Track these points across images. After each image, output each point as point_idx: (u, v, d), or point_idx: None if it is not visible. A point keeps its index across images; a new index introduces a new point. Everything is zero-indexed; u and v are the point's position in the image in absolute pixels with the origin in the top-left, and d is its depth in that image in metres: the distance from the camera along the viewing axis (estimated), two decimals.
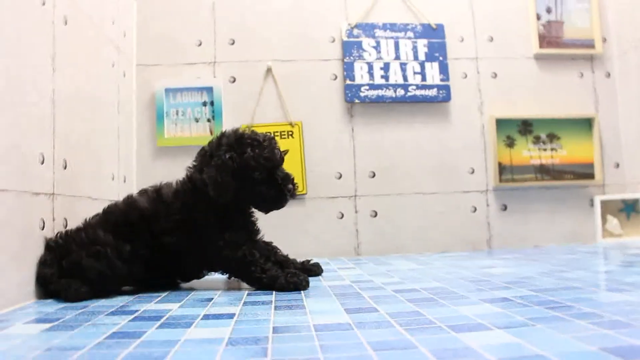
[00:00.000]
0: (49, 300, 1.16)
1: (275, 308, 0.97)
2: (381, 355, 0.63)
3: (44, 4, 1.26)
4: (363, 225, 2.07)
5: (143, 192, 1.31)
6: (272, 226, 2.00)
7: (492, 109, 2.19)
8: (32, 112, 1.20)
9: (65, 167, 1.34)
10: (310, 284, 1.24)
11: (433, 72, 2.15)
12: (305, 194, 2.04)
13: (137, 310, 1.00)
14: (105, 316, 0.95)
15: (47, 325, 0.89)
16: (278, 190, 1.26)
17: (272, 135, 1.32)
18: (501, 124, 2.17)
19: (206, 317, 0.92)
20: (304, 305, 1.00)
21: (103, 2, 1.72)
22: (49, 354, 0.70)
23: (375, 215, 2.07)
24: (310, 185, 2.06)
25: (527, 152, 2.19)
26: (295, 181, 1.30)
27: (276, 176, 1.25)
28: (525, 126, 2.20)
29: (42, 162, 1.23)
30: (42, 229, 1.21)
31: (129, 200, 1.29)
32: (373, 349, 0.66)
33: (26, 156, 1.16)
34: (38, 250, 1.19)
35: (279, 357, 0.64)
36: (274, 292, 1.17)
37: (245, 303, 1.05)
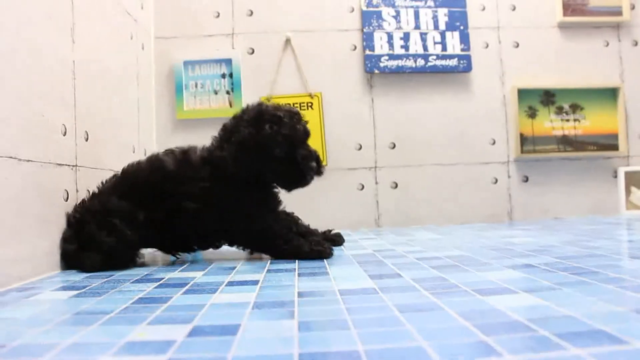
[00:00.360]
0: (75, 271, 1.17)
1: (299, 275, 0.98)
2: (408, 317, 0.63)
3: None
4: (383, 197, 2.06)
5: (169, 152, 1.27)
6: (292, 197, 2.00)
7: (513, 79, 2.16)
8: (54, 83, 1.20)
9: (86, 139, 1.35)
10: (334, 253, 1.24)
11: (454, 42, 2.11)
12: (326, 165, 2.04)
13: (161, 278, 1.01)
14: (131, 284, 0.96)
15: (74, 292, 0.90)
16: (298, 169, 1.22)
17: (297, 110, 1.27)
18: (523, 94, 2.14)
19: (230, 283, 0.92)
20: (327, 272, 1.00)
21: None
22: (78, 317, 0.71)
23: (396, 186, 2.07)
24: (331, 156, 2.05)
25: (549, 123, 2.16)
26: (320, 158, 1.26)
27: (297, 154, 1.21)
28: (548, 97, 2.16)
29: (65, 134, 1.23)
30: (66, 200, 1.23)
31: (154, 159, 1.26)
32: (399, 311, 0.66)
33: (49, 127, 1.17)
34: (62, 221, 1.20)
35: (306, 319, 0.64)
36: (296, 261, 1.17)
37: (268, 270, 1.05)
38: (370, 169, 2.07)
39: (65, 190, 1.23)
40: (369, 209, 2.06)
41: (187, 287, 0.90)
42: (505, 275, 0.89)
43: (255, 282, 0.92)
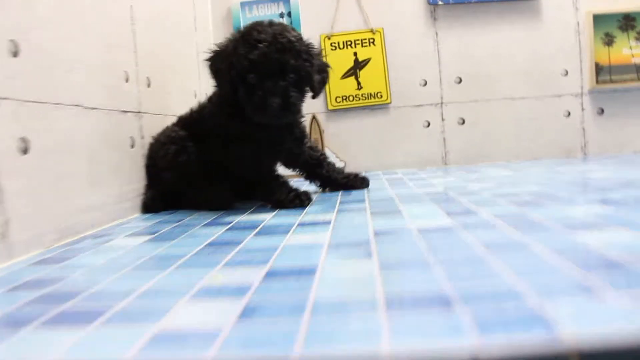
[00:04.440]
0: (146, 216, 1.19)
1: (372, 214, 0.94)
2: (495, 253, 0.59)
3: None
4: (450, 134, 1.99)
5: (210, 96, 1.26)
6: (356, 136, 1.97)
7: (588, 4, 2.00)
8: (114, 28, 1.19)
9: (148, 85, 1.34)
10: (404, 192, 1.20)
11: None
12: (390, 103, 1.97)
13: (231, 222, 1.00)
14: (200, 228, 0.96)
15: (147, 238, 0.90)
16: (261, 101, 1.06)
17: (290, 37, 1.08)
18: (599, 20, 1.99)
19: (302, 224, 0.90)
20: (400, 210, 0.96)
21: None
22: (153, 262, 0.71)
23: (463, 122, 1.99)
24: (395, 93, 1.98)
25: (628, 50, 2.00)
26: (289, 97, 1.08)
27: (263, 86, 1.06)
28: (627, 21, 2.00)
29: (127, 80, 1.22)
30: (132, 147, 1.23)
31: (200, 105, 1.29)
32: (485, 247, 0.62)
33: (113, 74, 1.16)
34: (129, 168, 1.21)
35: (386, 259, 0.61)
36: (367, 200, 1.14)
37: (339, 211, 1.02)
38: (436, 105, 1.99)
39: (131, 137, 1.23)
40: (436, 147, 1.99)
41: (257, 230, 0.88)
42: (591, 209, 0.82)
43: (328, 223, 0.89)
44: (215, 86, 1.16)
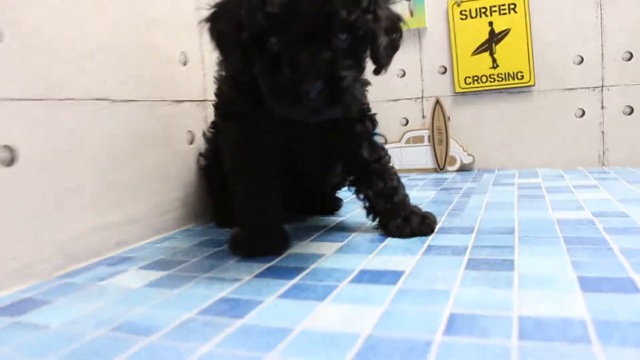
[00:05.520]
0: (197, 228, 0.98)
1: (467, 265, 0.64)
2: None
3: None
4: (612, 126, 1.56)
5: None
6: (488, 126, 1.61)
7: None
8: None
9: None
10: (533, 216, 0.87)
11: None
12: (533, 85, 1.59)
13: (270, 261, 0.75)
14: (219, 271, 0.72)
15: (158, 275, 0.68)
16: (288, 84, 0.62)
17: None
18: None
19: (363, 273, 0.62)
20: (511, 261, 0.64)
21: None
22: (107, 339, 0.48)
23: (631, 112, 1.54)
24: (539, 74, 1.59)
25: None
26: (338, 79, 0.62)
27: (296, 55, 0.62)
28: None
29: (185, 64, 1.01)
30: (191, 143, 1.02)
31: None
32: None
33: (161, 57, 0.95)
34: (177, 170, 1.00)
35: None
36: (476, 230, 0.83)
37: (428, 249, 0.73)
38: (595, 89, 1.56)
39: (190, 131, 1.01)
40: (591, 143, 1.57)
41: (293, 282, 0.62)
42: None
43: (399, 275, 0.60)
44: (221, 59, 0.80)
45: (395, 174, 0.87)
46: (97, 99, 0.79)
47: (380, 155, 0.86)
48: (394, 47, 0.74)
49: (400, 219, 0.82)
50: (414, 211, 0.84)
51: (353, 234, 0.85)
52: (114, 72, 0.83)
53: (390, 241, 0.79)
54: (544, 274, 0.58)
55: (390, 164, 0.88)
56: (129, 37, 0.87)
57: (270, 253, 0.76)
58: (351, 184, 0.89)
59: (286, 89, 0.62)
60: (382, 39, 0.71)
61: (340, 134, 0.82)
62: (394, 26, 0.74)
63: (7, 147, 0.65)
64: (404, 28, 0.76)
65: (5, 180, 0.65)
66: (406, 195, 0.87)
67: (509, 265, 0.63)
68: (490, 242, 0.74)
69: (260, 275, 0.66)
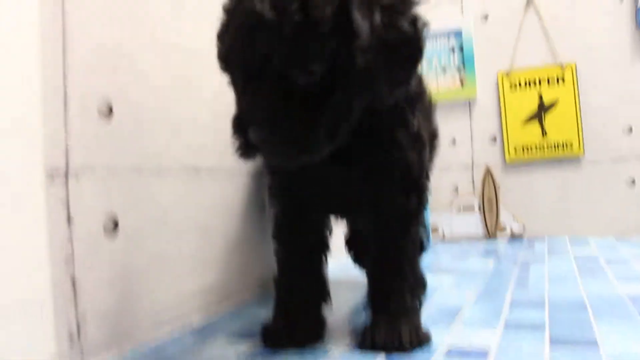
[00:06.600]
0: None
1: (552, 341, 0.66)
2: None
3: None
4: None
5: None
6: (538, 194, 1.63)
7: None
8: None
9: None
10: (599, 291, 0.88)
11: None
12: (582, 155, 1.61)
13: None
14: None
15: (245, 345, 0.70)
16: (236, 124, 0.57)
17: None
18: None
19: None
20: (594, 340, 0.66)
21: None
22: None
23: None
24: (588, 142, 1.62)
25: None
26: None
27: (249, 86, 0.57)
28: None
29: None
30: None
31: None
32: None
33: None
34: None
35: None
36: (546, 304, 0.84)
37: (507, 327, 0.74)
38: None
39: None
40: None
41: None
42: None
43: (482, 356, 0.62)
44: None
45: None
46: (188, 168, 0.84)
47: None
48: (410, 68, 0.60)
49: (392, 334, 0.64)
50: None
51: None
52: (203, 143, 0.88)
53: (464, 311, 0.81)
54: (632, 354, 0.60)
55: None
56: (217, 113, 0.92)
57: (298, 344, 0.68)
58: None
59: (236, 132, 0.57)
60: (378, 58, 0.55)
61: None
62: (408, 38, 0.57)
63: (110, 215, 0.69)
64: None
65: (106, 250, 0.68)
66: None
67: (590, 344, 0.64)
68: (565, 316, 0.75)
69: None
